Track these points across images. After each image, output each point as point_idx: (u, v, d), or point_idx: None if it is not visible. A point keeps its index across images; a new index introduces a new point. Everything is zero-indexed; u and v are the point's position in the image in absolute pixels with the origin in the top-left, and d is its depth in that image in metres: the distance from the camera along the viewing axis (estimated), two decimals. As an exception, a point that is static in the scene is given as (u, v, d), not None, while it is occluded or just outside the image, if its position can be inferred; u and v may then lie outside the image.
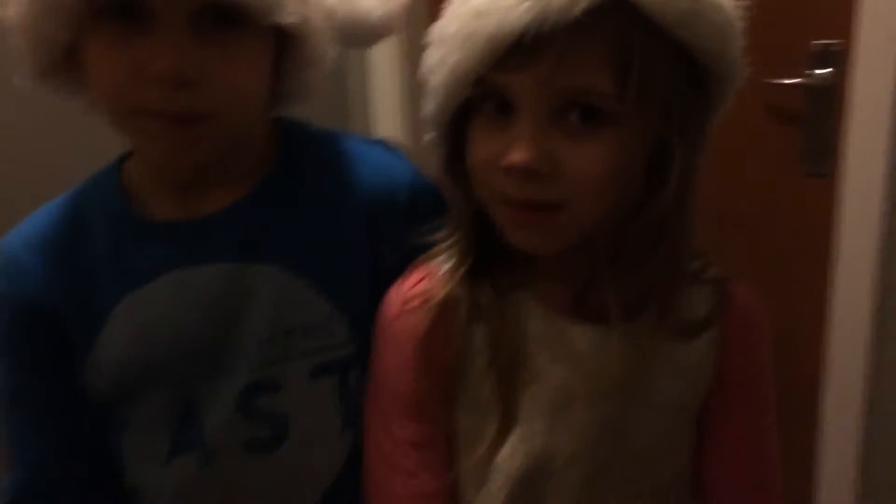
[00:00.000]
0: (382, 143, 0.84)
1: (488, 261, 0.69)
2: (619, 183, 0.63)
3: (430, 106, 0.67)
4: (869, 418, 1.47)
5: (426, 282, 0.70)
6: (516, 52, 0.59)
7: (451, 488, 0.70)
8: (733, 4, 0.63)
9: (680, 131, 0.63)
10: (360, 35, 0.77)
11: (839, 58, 1.43)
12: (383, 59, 1.50)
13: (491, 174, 0.63)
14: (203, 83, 0.64)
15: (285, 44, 0.69)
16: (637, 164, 0.63)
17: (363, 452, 0.73)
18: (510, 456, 0.68)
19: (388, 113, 1.49)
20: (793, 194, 1.56)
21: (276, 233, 0.74)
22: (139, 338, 0.73)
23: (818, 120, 1.50)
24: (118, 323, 0.73)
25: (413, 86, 1.43)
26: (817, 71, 1.47)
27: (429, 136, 0.70)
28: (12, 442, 0.78)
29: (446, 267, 0.69)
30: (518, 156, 0.60)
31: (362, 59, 1.45)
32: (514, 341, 0.67)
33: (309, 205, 0.75)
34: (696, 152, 0.65)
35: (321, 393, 0.75)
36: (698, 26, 0.61)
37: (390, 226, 0.75)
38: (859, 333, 1.43)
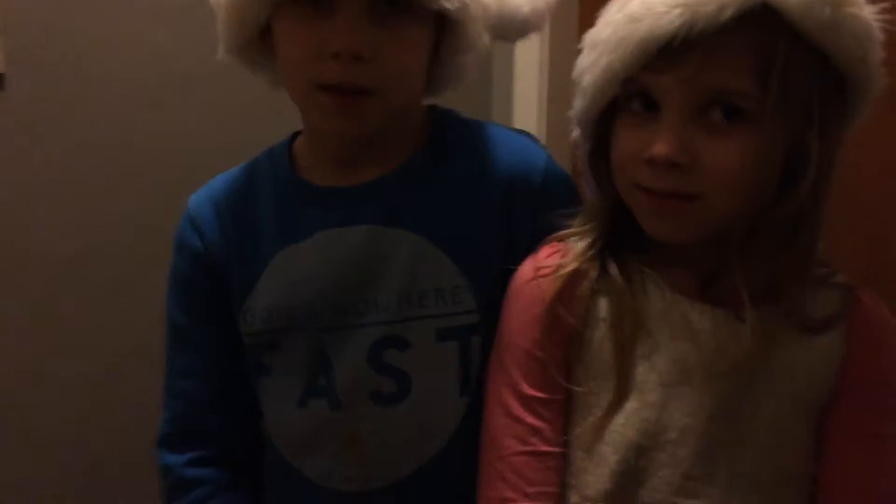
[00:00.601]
0: (521, 132, 0.90)
1: (619, 245, 0.73)
2: (755, 180, 0.65)
3: (578, 104, 0.71)
4: None
5: (559, 255, 0.74)
6: (664, 53, 0.63)
7: (564, 451, 0.72)
8: (873, 16, 0.65)
9: (819, 134, 0.65)
10: (509, 29, 0.83)
11: None
12: (529, 59, 1.56)
13: (634, 165, 0.67)
14: (374, 61, 0.71)
15: (444, 30, 0.77)
16: (774, 164, 0.65)
17: (478, 416, 0.77)
18: (624, 424, 0.69)
19: (529, 109, 1.56)
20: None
21: (419, 205, 0.80)
22: (290, 287, 0.80)
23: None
24: (274, 272, 0.80)
25: (554, 85, 1.49)
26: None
27: (575, 132, 0.75)
28: (171, 379, 0.86)
29: (580, 246, 0.73)
30: (661, 147, 0.64)
31: (509, 57, 1.55)
32: (635, 315, 0.70)
33: (451, 183, 0.81)
34: (833, 155, 0.67)
35: (444, 356, 0.78)
36: (838, 35, 0.63)
37: (525, 205, 0.80)
38: None
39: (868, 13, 0.64)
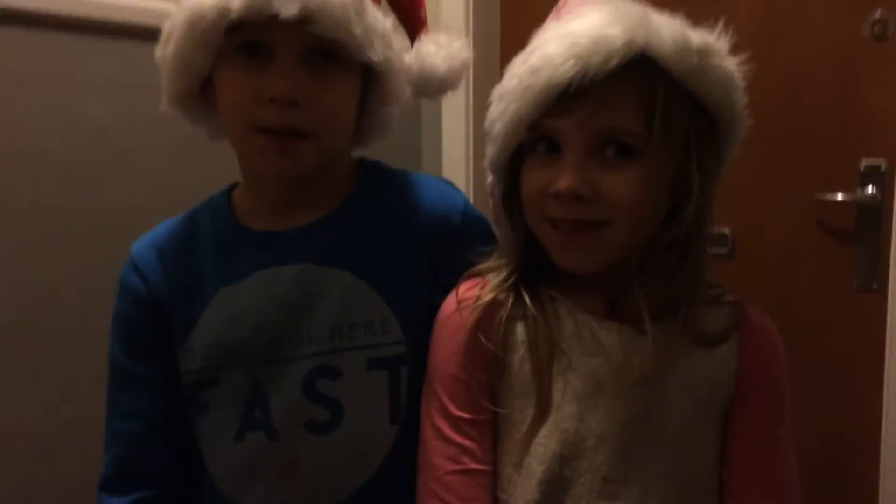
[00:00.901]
0: (442, 179, 1.00)
1: (532, 278, 0.81)
2: (649, 205, 0.75)
3: (490, 151, 0.81)
4: None
5: (477, 288, 0.83)
6: (562, 100, 0.73)
7: (493, 469, 0.80)
8: (735, 64, 0.78)
9: (698, 167, 0.76)
10: (428, 86, 0.93)
11: (886, 177, 1.49)
12: (455, 115, 1.77)
13: (542, 200, 0.77)
14: (308, 106, 0.80)
15: (370, 83, 0.86)
16: (662, 191, 0.76)
17: (408, 443, 0.84)
18: (546, 437, 0.77)
19: (457, 161, 1.76)
20: (845, 308, 1.59)
21: (349, 245, 0.88)
22: (229, 323, 0.87)
23: (867, 236, 1.55)
24: (213, 311, 0.88)
25: (479, 138, 1.68)
26: (868, 190, 1.54)
27: (489, 178, 0.85)
28: (112, 420, 0.91)
29: (496, 279, 0.82)
30: (565, 182, 0.74)
31: (437, 113, 1.74)
32: (550, 337, 0.78)
33: (378, 225, 0.90)
34: (711, 186, 0.78)
35: (374, 384, 0.86)
36: (706, 81, 0.75)
37: (446, 243, 0.89)
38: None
39: (730, 63, 0.76)
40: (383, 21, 0.85)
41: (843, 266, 1.60)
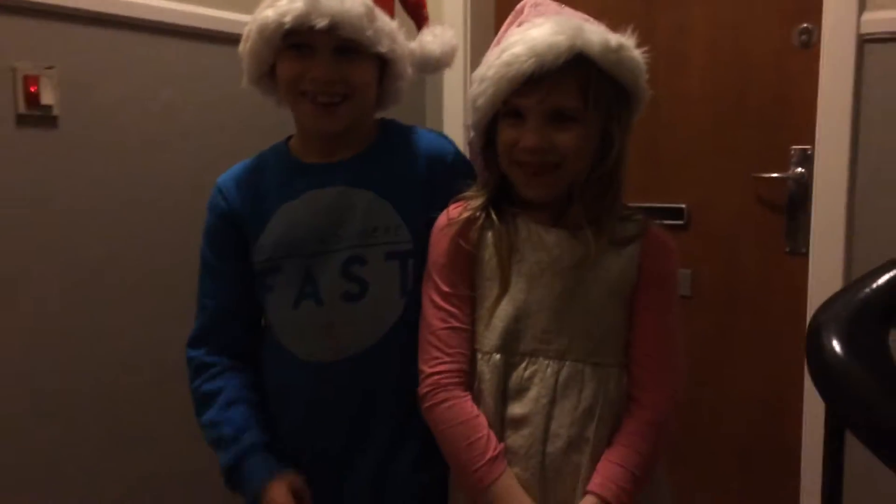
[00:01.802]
0: (440, 133, 1.34)
1: (500, 203, 1.13)
2: (586, 152, 1.06)
3: (475, 117, 1.13)
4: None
5: (462, 208, 1.15)
6: (526, 85, 1.04)
7: (471, 329, 1.13)
8: (641, 57, 1.08)
9: (617, 126, 1.08)
10: (428, 65, 1.26)
11: (811, 159, 1.81)
12: (455, 87, 2.20)
13: (511, 151, 1.08)
14: (340, 81, 1.14)
15: (384, 67, 1.19)
16: (594, 143, 1.07)
17: (411, 313, 1.17)
18: (506, 305, 1.10)
19: (456, 125, 2.16)
20: (779, 269, 1.92)
21: (373, 174, 1.21)
22: (288, 227, 1.20)
23: (796, 208, 1.87)
24: (277, 219, 1.20)
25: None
26: (797, 170, 1.86)
27: (472, 135, 1.18)
28: (201, 297, 1.26)
29: (474, 203, 1.14)
30: (530, 142, 1.06)
31: (439, 86, 2.20)
32: (509, 239, 1.11)
33: (393, 161, 1.23)
34: (626, 138, 1.09)
35: (389, 270, 1.19)
36: (622, 68, 1.06)
37: (440, 175, 1.22)
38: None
39: (637, 55, 1.08)
40: (390, 24, 1.15)
41: (778, 234, 1.92)
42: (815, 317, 0.80)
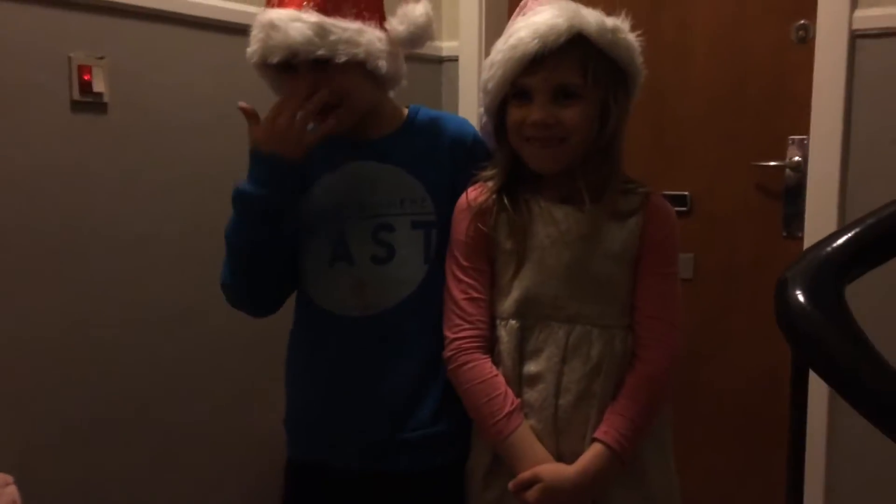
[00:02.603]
0: (462, 118, 1.44)
1: (515, 184, 1.24)
2: (588, 126, 1.17)
3: (487, 99, 1.24)
4: (831, 448, 1.88)
5: (480, 190, 1.26)
6: (531, 65, 1.15)
7: (489, 299, 1.25)
8: (635, 38, 1.19)
9: (615, 101, 1.18)
10: (403, 45, 1.30)
11: (807, 148, 1.92)
12: (468, 81, 2.33)
13: (521, 128, 1.19)
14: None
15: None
16: (594, 117, 1.18)
17: (433, 278, 1.29)
18: (520, 279, 1.22)
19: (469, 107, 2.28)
20: (776, 252, 2.03)
21: (401, 151, 1.33)
22: (325, 195, 1.33)
23: (793, 195, 1.99)
24: (317, 188, 1.34)
25: None
26: (794, 158, 1.98)
27: (483, 117, 1.29)
28: None
29: (491, 184, 1.25)
30: (537, 116, 1.17)
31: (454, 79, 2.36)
32: (523, 218, 1.22)
33: (420, 141, 1.34)
34: (624, 114, 1.20)
35: (415, 238, 1.31)
36: (617, 48, 1.17)
37: (461, 155, 1.33)
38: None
39: (631, 37, 1.19)
40: (347, 30, 1.20)
41: (775, 219, 2.03)
42: (783, 273, 0.92)
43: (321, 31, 1.19)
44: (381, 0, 1.31)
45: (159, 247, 1.74)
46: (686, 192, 2.14)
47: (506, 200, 1.23)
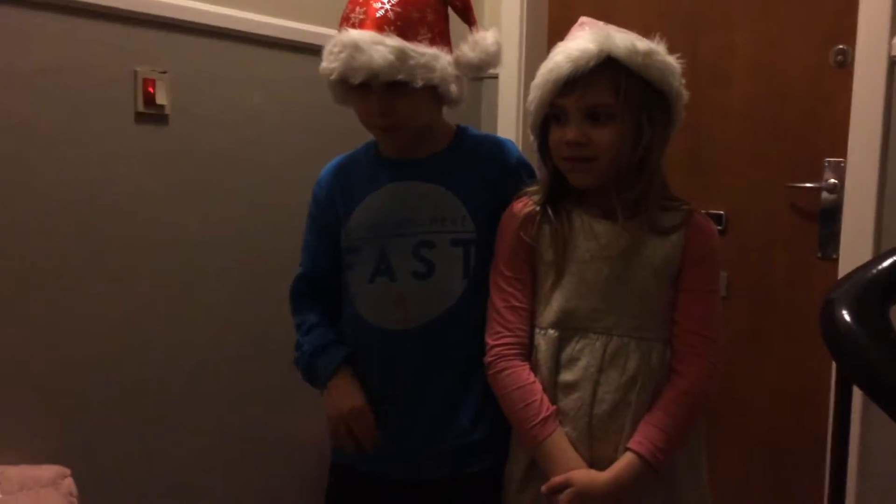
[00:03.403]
0: (506, 139, 1.49)
1: (558, 198, 1.29)
2: (621, 147, 1.21)
3: (530, 121, 1.30)
4: (863, 462, 1.89)
5: (525, 203, 1.30)
6: (565, 87, 1.20)
7: (530, 308, 1.29)
8: (673, 60, 1.22)
9: (648, 121, 1.21)
10: (470, 72, 1.36)
11: (844, 171, 1.95)
12: (509, 98, 2.42)
13: (559, 147, 1.24)
14: (391, 114, 1.30)
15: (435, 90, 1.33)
16: (628, 137, 1.21)
17: (473, 293, 1.34)
18: (562, 288, 1.26)
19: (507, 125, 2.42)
20: (811, 273, 2.06)
21: (445, 170, 1.37)
22: (369, 213, 1.39)
23: (829, 216, 2.02)
24: (362, 207, 1.39)
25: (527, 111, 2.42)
26: (830, 180, 2.00)
27: (532, 136, 1.33)
28: (303, 258, 1.47)
29: (535, 197, 1.30)
30: (570, 136, 1.21)
31: (494, 97, 2.42)
32: (565, 231, 1.27)
33: (463, 161, 1.39)
34: (657, 134, 1.23)
35: (454, 254, 1.35)
36: (650, 70, 1.20)
37: (503, 175, 1.39)
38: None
39: (669, 58, 1.22)
40: (425, 55, 1.26)
41: (811, 240, 2.06)
42: (828, 293, 0.96)
43: (402, 56, 1.25)
44: (449, 27, 1.37)
45: (215, 255, 1.82)
46: (722, 212, 2.17)
47: (549, 211, 1.28)
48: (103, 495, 1.60)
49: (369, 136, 1.43)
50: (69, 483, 1.51)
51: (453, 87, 1.32)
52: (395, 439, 1.36)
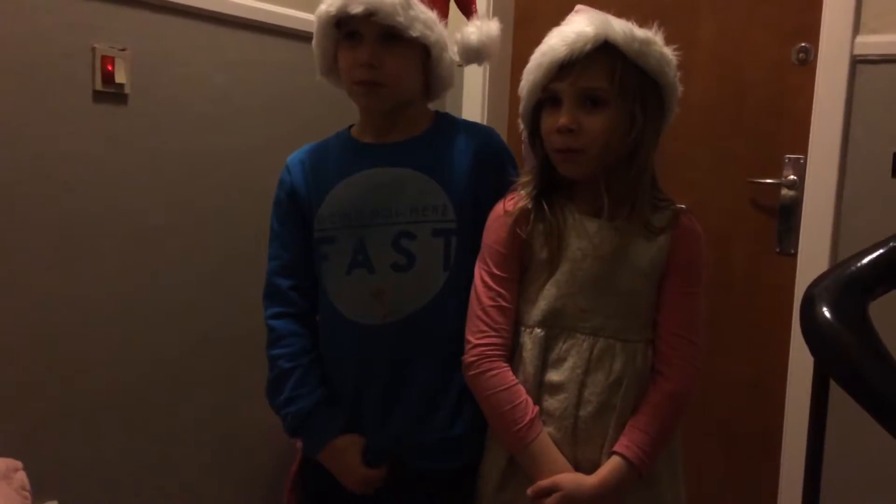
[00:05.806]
0: (487, 126, 1.49)
1: (549, 190, 1.26)
2: (612, 136, 1.18)
3: (522, 105, 1.26)
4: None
5: (516, 198, 1.27)
6: (560, 71, 1.17)
7: (515, 307, 1.26)
8: (668, 49, 1.20)
9: (641, 110, 1.19)
10: (468, 54, 1.37)
11: (803, 167, 1.98)
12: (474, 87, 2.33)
13: (551, 135, 1.21)
14: (380, 66, 1.26)
15: (428, 55, 1.31)
16: (619, 127, 1.19)
17: (452, 286, 1.30)
18: (549, 288, 1.24)
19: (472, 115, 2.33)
20: (770, 268, 2.09)
21: (424, 156, 1.33)
22: (344, 201, 1.33)
23: (788, 212, 2.05)
24: (335, 193, 1.34)
25: (492, 101, 2.28)
26: (790, 176, 2.03)
27: (521, 125, 1.30)
28: (271, 252, 1.40)
29: (526, 191, 1.27)
30: (563, 120, 1.18)
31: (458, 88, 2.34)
32: (558, 228, 1.24)
33: (444, 147, 1.35)
34: (649, 125, 1.20)
35: (435, 245, 1.31)
36: (646, 58, 1.18)
37: (485, 162, 1.35)
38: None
39: (665, 49, 1.21)
40: (427, 14, 1.26)
41: (770, 235, 2.09)
42: (808, 288, 0.96)
43: (406, 3, 1.24)
44: (449, 8, 1.37)
45: (172, 237, 1.75)
46: (681, 206, 2.17)
47: (545, 206, 1.25)
48: (56, 489, 1.54)
49: (337, 126, 1.40)
50: (21, 476, 1.44)
51: (446, 55, 1.31)
52: (372, 433, 1.34)
